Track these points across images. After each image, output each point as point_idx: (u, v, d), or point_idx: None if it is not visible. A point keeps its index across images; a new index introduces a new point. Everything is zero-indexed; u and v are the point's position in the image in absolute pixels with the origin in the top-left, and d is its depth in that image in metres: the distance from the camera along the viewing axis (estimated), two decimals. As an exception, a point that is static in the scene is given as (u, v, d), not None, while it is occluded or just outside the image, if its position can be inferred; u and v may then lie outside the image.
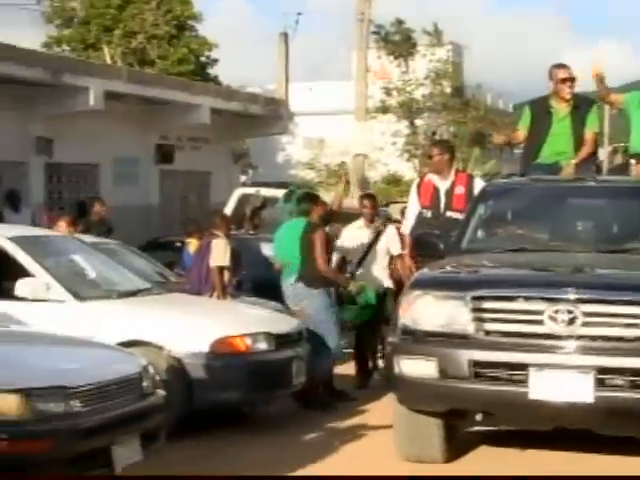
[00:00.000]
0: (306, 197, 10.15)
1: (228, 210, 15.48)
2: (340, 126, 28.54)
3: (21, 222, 13.43)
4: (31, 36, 41.48)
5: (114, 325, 7.95)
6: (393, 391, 7.00)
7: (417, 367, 6.52)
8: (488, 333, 6.43)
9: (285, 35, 25.74)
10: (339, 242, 10.68)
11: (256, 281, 11.44)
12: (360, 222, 10.89)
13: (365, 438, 8.08)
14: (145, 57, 31.15)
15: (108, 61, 25.47)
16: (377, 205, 11.43)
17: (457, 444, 7.23)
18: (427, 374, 6.46)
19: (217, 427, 8.20)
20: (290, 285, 9.57)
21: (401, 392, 6.85)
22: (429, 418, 6.89)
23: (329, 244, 9.64)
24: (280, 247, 10.01)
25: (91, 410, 5.47)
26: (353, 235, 10.78)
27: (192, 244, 11.80)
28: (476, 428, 6.91)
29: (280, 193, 14.34)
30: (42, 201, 17.16)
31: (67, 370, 5.66)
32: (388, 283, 10.55)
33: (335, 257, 10.44)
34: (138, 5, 30.56)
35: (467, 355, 6.39)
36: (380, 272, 10.57)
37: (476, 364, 6.36)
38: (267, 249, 11.69)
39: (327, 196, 12.21)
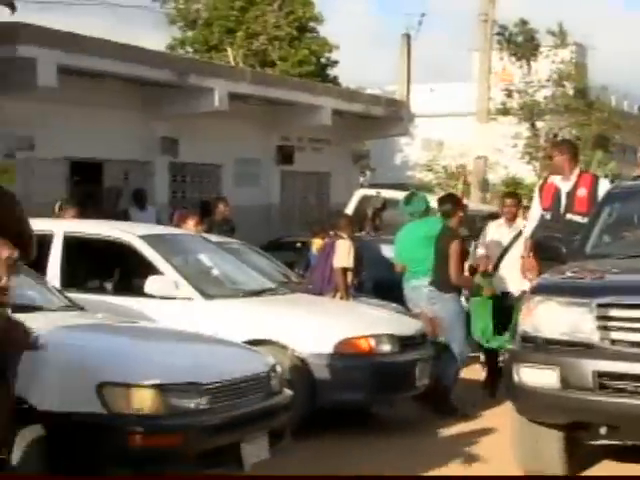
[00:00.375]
0: (449, 199, 9.97)
1: (349, 211, 15.57)
2: (459, 128, 28.35)
3: (146, 220, 13.77)
4: (155, 38, 42.39)
5: (240, 324, 8.05)
6: (511, 400, 6.78)
7: (537, 376, 6.29)
8: (614, 342, 6.20)
9: (407, 36, 25.65)
10: (481, 240, 10.58)
11: (376, 282, 11.48)
12: (500, 221, 10.77)
13: (488, 445, 8.00)
14: (266, 58, 31.47)
15: (232, 63, 25.81)
16: (520, 204, 11.11)
17: (579, 458, 6.95)
18: (548, 384, 6.23)
19: (340, 428, 8.25)
20: (418, 288, 9.56)
21: (520, 402, 6.61)
22: (550, 430, 6.62)
23: (464, 253, 9.47)
24: (402, 249, 10.01)
25: (222, 407, 5.59)
26: (492, 234, 10.60)
27: (316, 244, 11.91)
28: (600, 442, 6.58)
29: (400, 195, 14.33)
30: (166, 200, 17.53)
31: (199, 367, 5.78)
32: (526, 286, 10.16)
33: (478, 254, 10.31)
34: (260, 7, 30.85)
35: (592, 365, 6.15)
36: (518, 274, 10.29)
37: (601, 375, 6.12)
38: (387, 251, 11.71)
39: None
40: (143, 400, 5.29)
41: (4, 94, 13.02)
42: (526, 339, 6.45)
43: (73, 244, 8.83)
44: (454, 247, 9.26)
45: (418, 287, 9.60)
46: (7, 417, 4.92)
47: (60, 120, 14.53)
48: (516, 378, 6.41)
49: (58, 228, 8.91)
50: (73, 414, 5.26)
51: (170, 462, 5.35)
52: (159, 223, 13.76)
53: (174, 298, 8.31)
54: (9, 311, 5.00)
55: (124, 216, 14.46)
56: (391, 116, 22.04)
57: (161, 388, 5.34)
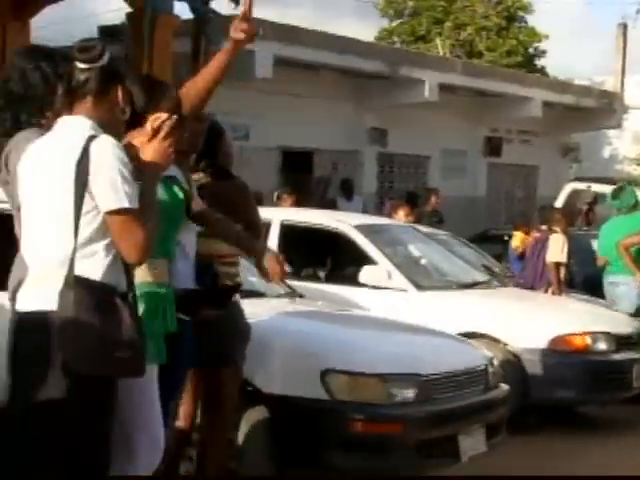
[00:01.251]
0: None
1: (558, 205, 15.27)
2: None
3: (353, 210, 13.90)
4: (362, 28, 42.72)
5: (453, 316, 8.01)
6: None
7: None
8: None
9: (624, 26, 24.86)
10: None
11: (586, 278, 11.23)
12: None
13: None
14: (473, 49, 31.25)
15: (440, 53, 25.76)
16: None
17: None
18: None
19: (551, 425, 8.12)
20: (615, 284, 9.34)
21: None
22: None
23: None
24: (605, 242, 9.77)
25: (440, 399, 5.60)
26: None
27: (516, 238, 11.77)
28: None
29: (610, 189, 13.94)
30: (374, 190, 17.69)
31: (419, 357, 5.80)
32: None
33: None
34: (470, -3, 30.69)
35: None
36: None
37: None
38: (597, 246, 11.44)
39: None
40: (366, 388, 5.34)
41: (224, 85, 13.38)
42: None
43: (289, 232, 9.01)
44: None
45: (615, 283, 9.37)
46: (237, 398, 5.12)
47: (274, 110, 14.87)
48: None
49: (276, 216, 9.12)
50: (296, 398, 5.37)
51: (390, 451, 5.39)
52: (365, 213, 13.89)
53: (387, 288, 8.36)
54: (237, 296, 5.17)
55: (332, 205, 14.67)
56: (603, 108, 21.46)
57: (383, 377, 5.38)
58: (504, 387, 6.32)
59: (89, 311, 3.43)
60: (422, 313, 7.87)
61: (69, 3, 13.03)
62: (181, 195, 4.19)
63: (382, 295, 8.29)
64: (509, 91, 18.80)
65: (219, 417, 5.15)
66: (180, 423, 5.04)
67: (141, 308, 3.86)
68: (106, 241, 3.49)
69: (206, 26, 10.67)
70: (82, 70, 3.55)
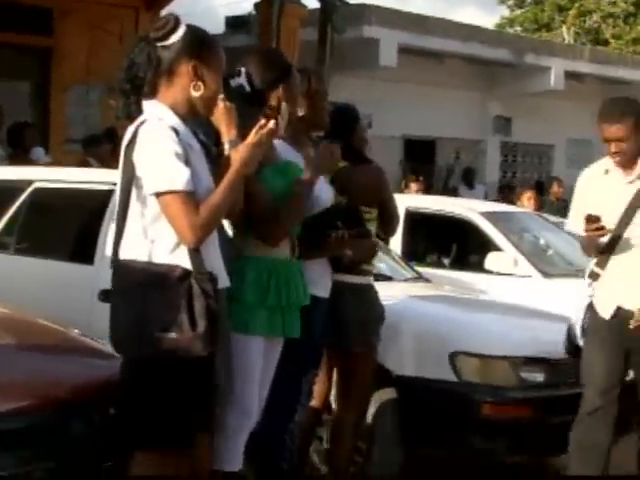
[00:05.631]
0: None
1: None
2: None
3: (475, 199, 13.85)
4: (481, 16, 42.41)
5: (578, 304, 7.93)
6: None
7: None
8: None
9: None
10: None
11: None
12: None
13: None
14: (599, 37, 30.72)
15: (566, 41, 25.45)
16: None
17: None
18: None
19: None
20: None
21: None
22: None
23: None
24: None
25: (571, 383, 5.56)
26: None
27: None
28: None
29: None
30: (496, 179, 17.58)
31: (546, 342, 5.76)
32: None
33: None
34: (595, -17, 30.23)
35: None
36: None
37: None
38: None
39: None
40: (494, 371, 5.37)
41: (347, 73, 13.54)
42: None
43: (415, 219, 9.05)
44: None
45: None
46: (371, 379, 5.20)
47: (397, 99, 14.90)
48: None
49: (401, 202, 9.09)
50: (425, 379, 5.44)
51: (516, 434, 5.41)
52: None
53: (511, 275, 8.34)
54: (371, 279, 5.24)
55: (454, 194, 14.67)
56: None
57: (511, 360, 5.41)
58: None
59: (124, 294, 3.48)
60: (547, 300, 7.82)
61: (198, -6, 13.34)
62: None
63: (506, 281, 8.26)
64: (638, 79, 18.44)
65: (351, 398, 5.20)
66: (313, 402, 5.15)
67: (257, 279, 3.99)
68: (158, 223, 3.46)
69: (333, 15, 10.76)
70: (157, 50, 3.51)
